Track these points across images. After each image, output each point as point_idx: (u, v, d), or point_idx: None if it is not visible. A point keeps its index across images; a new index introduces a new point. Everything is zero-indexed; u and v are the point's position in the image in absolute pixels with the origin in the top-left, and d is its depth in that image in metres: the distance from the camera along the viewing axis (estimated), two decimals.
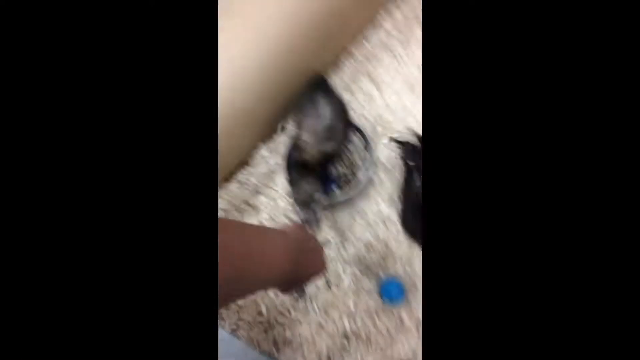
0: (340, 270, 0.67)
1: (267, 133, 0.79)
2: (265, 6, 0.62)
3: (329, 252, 0.68)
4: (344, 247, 0.69)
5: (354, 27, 0.80)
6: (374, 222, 0.70)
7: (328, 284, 0.66)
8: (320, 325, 0.64)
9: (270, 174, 0.76)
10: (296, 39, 0.66)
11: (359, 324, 0.63)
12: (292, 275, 0.40)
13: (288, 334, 0.65)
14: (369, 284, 0.65)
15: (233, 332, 0.66)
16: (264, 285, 0.39)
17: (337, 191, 0.71)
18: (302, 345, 0.64)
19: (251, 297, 0.66)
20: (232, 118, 0.65)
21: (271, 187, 0.75)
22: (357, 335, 0.63)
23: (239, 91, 0.64)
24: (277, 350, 0.64)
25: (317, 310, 0.65)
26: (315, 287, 0.66)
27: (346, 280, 0.66)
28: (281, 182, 0.74)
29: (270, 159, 0.76)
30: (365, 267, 0.66)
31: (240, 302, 0.68)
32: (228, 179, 0.75)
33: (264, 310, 0.67)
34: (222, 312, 0.68)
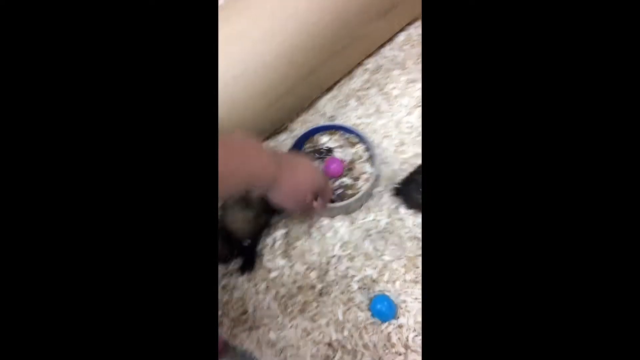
0: (331, 277, 0.66)
1: (271, 131, 0.79)
2: (274, 7, 0.66)
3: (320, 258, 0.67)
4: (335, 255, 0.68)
5: (368, 39, 0.82)
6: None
7: (320, 291, 0.65)
8: (306, 331, 0.63)
9: None
10: (303, 41, 0.68)
11: (346, 334, 0.62)
12: (277, 177, 0.46)
13: (272, 336, 0.63)
14: (360, 296, 0.64)
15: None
16: (249, 177, 0.43)
17: (335, 199, 0.70)
18: (285, 349, 0.62)
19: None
20: (235, 115, 0.66)
21: None
22: (343, 347, 0.61)
23: (241, 88, 0.65)
24: (260, 351, 0.62)
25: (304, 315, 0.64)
26: (303, 298, 0.65)
27: (337, 289, 0.65)
28: None
29: None
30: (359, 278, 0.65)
31: (224, 298, 0.66)
32: None
33: (250, 309, 0.65)
34: None
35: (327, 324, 0.62)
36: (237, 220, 0.65)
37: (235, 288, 0.67)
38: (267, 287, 0.66)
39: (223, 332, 0.64)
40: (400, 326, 0.61)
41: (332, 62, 0.74)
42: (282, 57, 0.67)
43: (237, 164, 0.41)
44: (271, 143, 0.79)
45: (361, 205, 0.71)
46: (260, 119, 0.72)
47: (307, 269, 0.67)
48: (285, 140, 0.80)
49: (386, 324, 0.62)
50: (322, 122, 0.79)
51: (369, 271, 0.66)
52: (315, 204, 0.58)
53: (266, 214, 0.67)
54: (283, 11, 0.66)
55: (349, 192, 0.71)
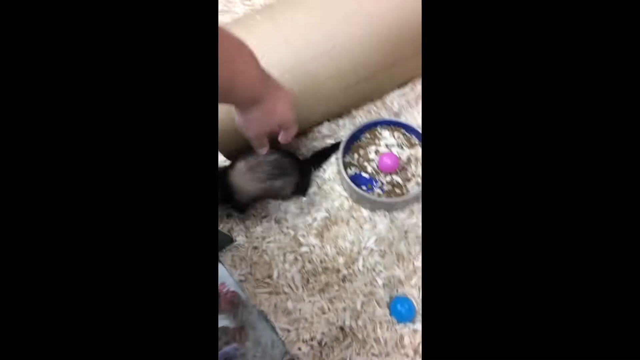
0: (358, 267, 0.67)
1: (336, 114, 0.80)
2: (297, 16, 0.65)
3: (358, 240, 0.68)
4: (368, 248, 0.68)
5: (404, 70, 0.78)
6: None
7: (344, 277, 0.66)
8: (322, 310, 0.64)
9: None
10: (393, 30, 0.67)
11: (360, 324, 0.63)
12: (260, 98, 0.42)
13: (289, 305, 0.65)
14: (382, 292, 0.65)
15: (239, 282, 0.67)
16: (231, 86, 0.38)
17: (378, 191, 0.70)
18: (298, 321, 0.64)
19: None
20: (310, 91, 0.66)
21: None
22: (354, 334, 0.62)
23: (322, 64, 0.65)
24: (275, 316, 0.65)
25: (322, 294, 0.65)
26: (326, 279, 0.66)
27: (361, 280, 0.66)
28: None
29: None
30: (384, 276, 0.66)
31: (254, 258, 0.69)
32: None
33: (274, 275, 0.67)
34: (236, 261, 0.69)
35: (344, 309, 0.64)
36: (244, 180, 0.65)
37: (265, 252, 0.70)
38: (295, 259, 0.69)
39: (246, 288, 0.67)
40: (415, 331, 0.62)
41: (415, 59, 0.73)
42: (370, 40, 0.66)
43: (226, 68, 0.35)
44: (332, 125, 0.80)
45: (405, 207, 0.71)
46: (332, 99, 0.73)
47: (337, 253, 0.68)
48: (345, 125, 0.80)
49: (402, 325, 0.62)
50: (387, 116, 0.79)
51: (397, 271, 0.66)
52: (280, 136, 0.56)
53: (271, 180, 0.67)
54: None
55: (397, 190, 0.70)
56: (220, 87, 0.35)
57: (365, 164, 0.73)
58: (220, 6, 1.04)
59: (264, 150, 0.58)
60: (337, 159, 0.73)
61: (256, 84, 0.42)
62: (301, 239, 0.70)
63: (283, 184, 0.68)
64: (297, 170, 0.69)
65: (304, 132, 0.80)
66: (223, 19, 1.02)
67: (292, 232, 0.70)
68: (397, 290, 0.65)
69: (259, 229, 0.72)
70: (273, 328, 0.64)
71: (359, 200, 0.71)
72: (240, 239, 0.71)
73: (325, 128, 0.80)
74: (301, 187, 0.72)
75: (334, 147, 0.76)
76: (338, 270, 0.67)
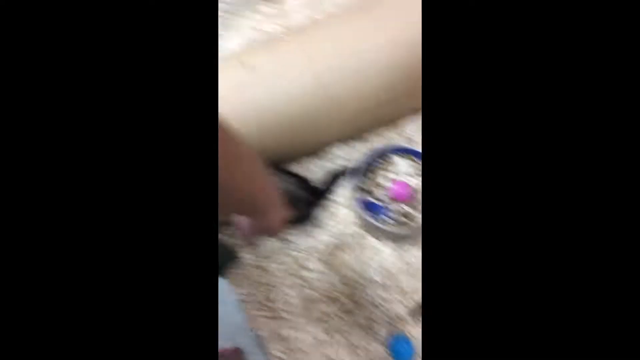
0: (360, 300, 0.64)
1: (353, 134, 0.79)
2: (322, 38, 0.65)
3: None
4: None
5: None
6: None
7: (345, 307, 0.64)
8: (320, 342, 0.62)
9: None
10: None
11: None
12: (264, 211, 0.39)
13: (287, 332, 0.63)
14: (382, 328, 0.62)
15: (241, 302, 0.66)
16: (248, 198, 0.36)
17: (387, 219, 0.68)
18: (294, 351, 0.62)
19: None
20: (335, 107, 0.66)
21: None
22: None
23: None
24: (271, 342, 0.63)
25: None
26: (326, 309, 0.64)
27: (361, 313, 0.63)
28: None
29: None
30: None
31: (257, 278, 0.68)
32: None
33: (275, 298, 0.66)
34: (238, 279, 0.68)
35: (341, 343, 0.61)
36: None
37: (268, 272, 0.68)
38: (297, 283, 0.67)
39: (246, 310, 0.66)
40: None
41: None
42: (394, 65, 0.66)
43: (242, 179, 0.33)
44: (346, 147, 0.78)
45: (415, 238, 0.68)
46: (349, 121, 0.72)
47: (339, 281, 0.66)
48: (359, 149, 0.78)
49: None
50: (402, 143, 0.77)
51: (400, 308, 0.63)
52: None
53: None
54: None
55: (407, 221, 0.68)
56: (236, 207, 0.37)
57: (377, 190, 0.72)
58: (252, 23, 1.06)
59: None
60: (348, 182, 0.72)
61: (267, 196, 0.40)
62: (305, 263, 0.68)
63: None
64: (306, 204, 0.68)
65: (315, 152, 0.79)
66: (252, 35, 1.04)
67: (296, 255, 0.69)
68: (398, 328, 0.62)
69: (263, 248, 0.71)
70: (267, 355, 0.62)
71: (367, 227, 0.69)
72: (245, 256, 0.70)
73: (339, 151, 0.79)
74: (304, 220, 0.70)
75: (346, 171, 0.75)
76: (339, 301, 0.65)
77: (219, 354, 0.67)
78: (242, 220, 0.46)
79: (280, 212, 0.45)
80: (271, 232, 0.46)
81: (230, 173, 0.29)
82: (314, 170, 0.77)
